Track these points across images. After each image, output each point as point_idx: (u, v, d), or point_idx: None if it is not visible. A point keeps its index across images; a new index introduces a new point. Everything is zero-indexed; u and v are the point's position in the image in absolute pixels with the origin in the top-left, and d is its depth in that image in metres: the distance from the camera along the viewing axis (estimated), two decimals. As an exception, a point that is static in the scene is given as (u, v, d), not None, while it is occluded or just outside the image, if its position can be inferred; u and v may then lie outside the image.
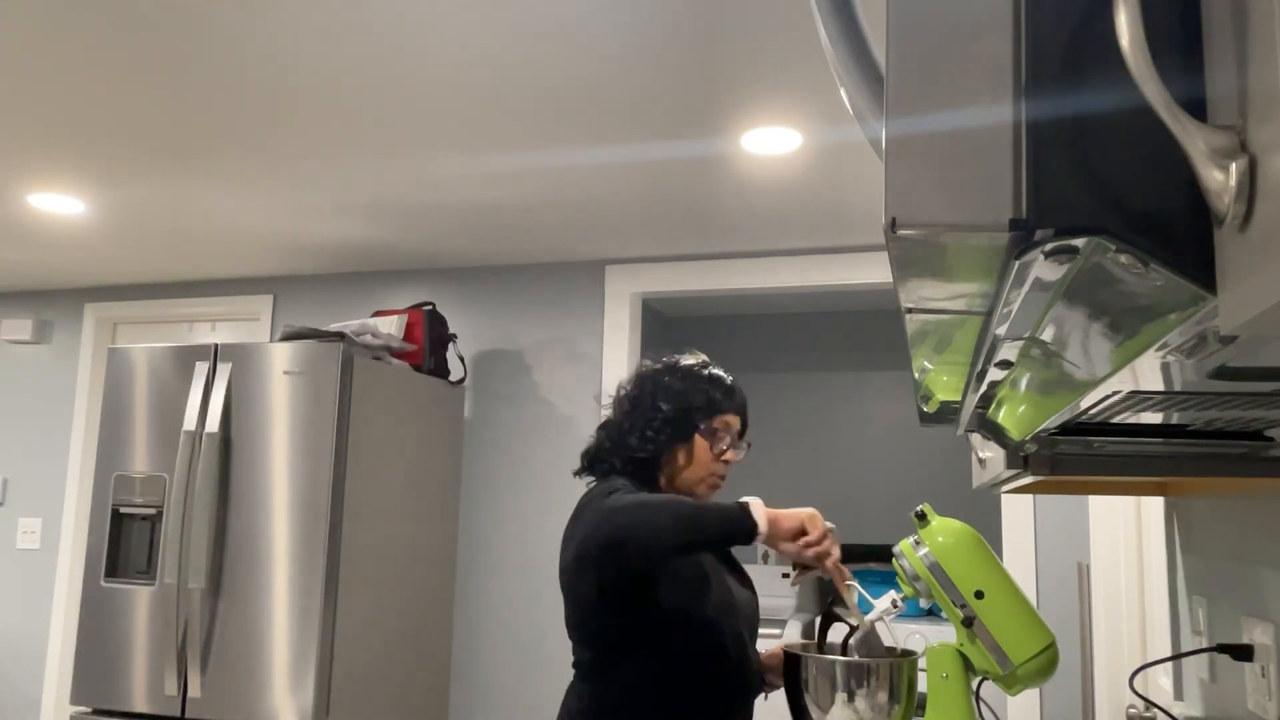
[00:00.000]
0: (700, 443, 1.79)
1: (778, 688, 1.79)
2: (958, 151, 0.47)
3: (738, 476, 2.59)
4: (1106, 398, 0.67)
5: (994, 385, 0.77)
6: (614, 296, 3.43)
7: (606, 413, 1.89)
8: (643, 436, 1.77)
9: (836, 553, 1.61)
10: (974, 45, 0.47)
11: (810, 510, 1.61)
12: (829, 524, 1.62)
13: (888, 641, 1.74)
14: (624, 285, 3.43)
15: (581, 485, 1.84)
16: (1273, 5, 0.35)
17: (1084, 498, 2.93)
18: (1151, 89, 0.40)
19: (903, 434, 4.62)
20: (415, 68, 2.05)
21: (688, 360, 1.86)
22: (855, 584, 1.68)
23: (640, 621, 1.66)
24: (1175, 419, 0.78)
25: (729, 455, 1.81)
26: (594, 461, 1.83)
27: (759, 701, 1.83)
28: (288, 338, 2.87)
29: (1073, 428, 0.87)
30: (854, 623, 1.69)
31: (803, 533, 1.60)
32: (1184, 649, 1.73)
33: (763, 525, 1.55)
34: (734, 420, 1.84)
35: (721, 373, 1.85)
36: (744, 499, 1.60)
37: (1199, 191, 0.41)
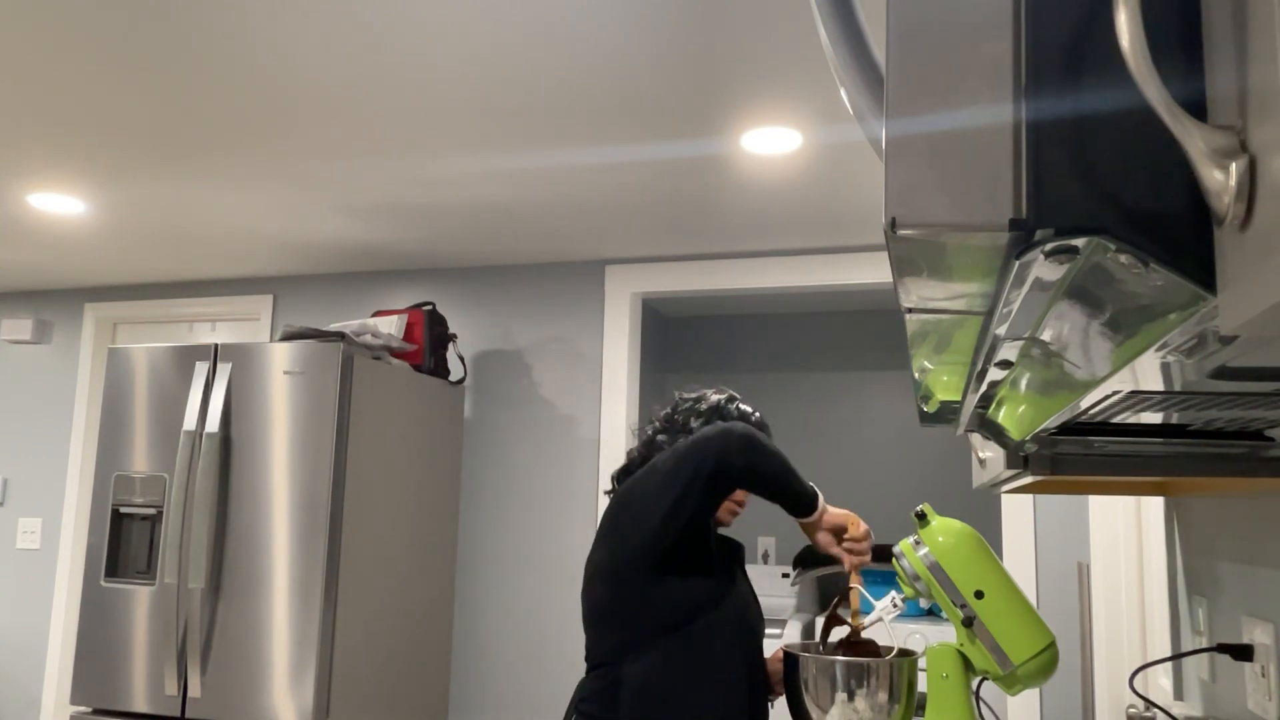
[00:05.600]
0: None
1: (780, 694, 1.81)
2: (958, 151, 0.46)
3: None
4: (1106, 398, 0.67)
5: (994, 385, 0.77)
6: (614, 296, 3.43)
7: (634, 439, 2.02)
8: None
9: (866, 559, 1.72)
10: (974, 45, 0.47)
11: (851, 513, 1.74)
12: (865, 525, 1.74)
13: (888, 642, 1.75)
14: (624, 285, 3.43)
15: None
16: (1273, 5, 0.35)
17: (1084, 498, 2.93)
18: (1151, 89, 0.40)
19: (903, 434, 4.61)
20: (415, 68, 2.05)
21: (715, 395, 1.96)
22: (859, 586, 1.73)
23: (675, 598, 1.69)
24: (1175, 419, 0.78)
25: None
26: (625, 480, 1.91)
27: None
28: (288, 338, 2.87)
29: (1073, 428, 0.87)
30: (854, 624, 1.71)
31: (843, 530, 1.71)
32: (1184, 649, 1.73)
33: (821, 504, 1.70)
34: None
35: (749, 408, 1.94)
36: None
37: (1199, 191, 0.41)
